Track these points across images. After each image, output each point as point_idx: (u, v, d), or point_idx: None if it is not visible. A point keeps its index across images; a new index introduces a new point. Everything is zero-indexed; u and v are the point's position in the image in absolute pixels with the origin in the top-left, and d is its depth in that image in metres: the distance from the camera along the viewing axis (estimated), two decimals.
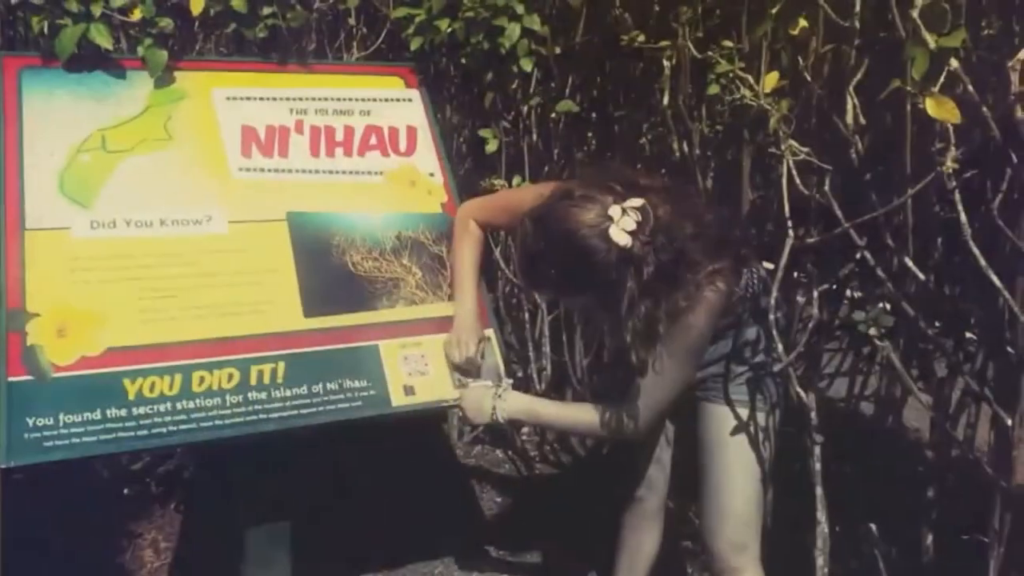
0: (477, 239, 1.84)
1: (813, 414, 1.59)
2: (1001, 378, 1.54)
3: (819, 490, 1.62)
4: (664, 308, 1.39)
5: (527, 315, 2.66)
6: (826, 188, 1.48)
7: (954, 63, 1.13)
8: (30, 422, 1.44)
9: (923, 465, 2.00)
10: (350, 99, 2.07)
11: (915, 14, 1.16)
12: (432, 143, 2.10)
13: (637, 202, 1.37)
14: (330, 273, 1.83)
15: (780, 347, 1.57)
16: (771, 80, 1.45)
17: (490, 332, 1.88)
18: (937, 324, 1.72)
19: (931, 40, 1.14)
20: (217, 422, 1.57)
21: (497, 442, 2.89)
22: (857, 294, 1.99)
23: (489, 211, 1.85)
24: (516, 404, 1.67)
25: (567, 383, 2.62)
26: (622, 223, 1.36)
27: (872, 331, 1.52)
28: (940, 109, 1.12)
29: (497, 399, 1.66)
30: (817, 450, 1.63)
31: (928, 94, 1.13)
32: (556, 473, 2.77)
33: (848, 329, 1.73)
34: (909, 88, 1.17)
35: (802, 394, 1.52)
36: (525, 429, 2.88)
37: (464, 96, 2.42)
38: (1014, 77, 1.09)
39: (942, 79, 1.13)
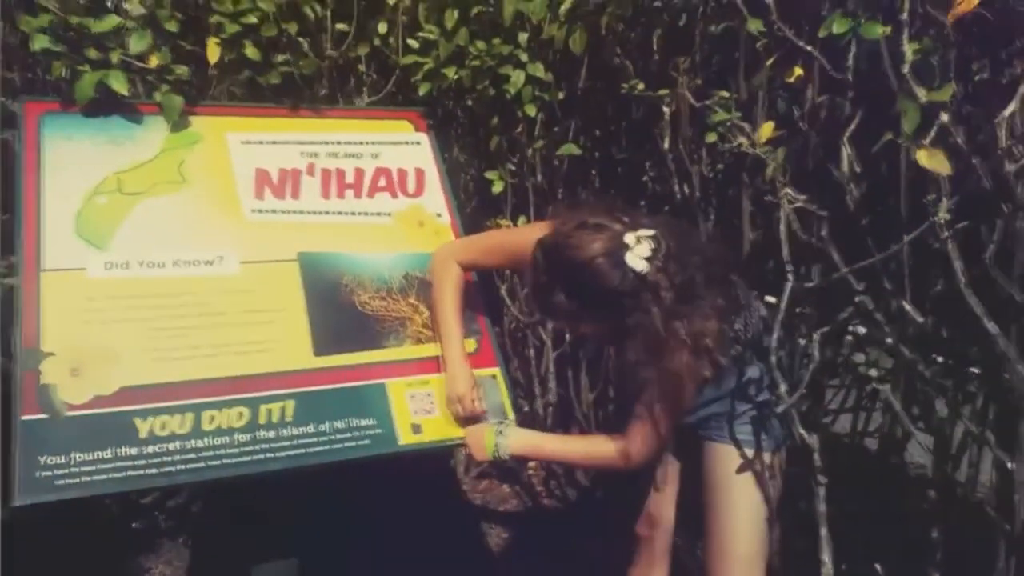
0: (459, 281, 1.84)
1: (816, 455, 1.61)
2: (1001, 420, 1.56)
3: (823, 531, 1.62)
4: (670, 336, 1.40)
5: (532, 351, 2.68)
6: (823, 234, 1.51)
7: (944, 116, 1.17)
8: (42, 460, 1.47)
9: (928, 504, 2.00)
10: (360, 142, 2.12)
11: (905, 69, 1.19)
12: (439, 185, 2.15)
13: (650, 232, 1.40)
14: (339, 312, 1.86)
15: (783, 387, 1.59)
16: (767, 130, 1.49)
17: (496, 371, 1.91)
18: (938, 363, 1.74)
19: (922, 94, 1.17)
20: (226, 460, 1.59)
21: (504, 477, 2.90)
22: (860, 330, 2.02)
23: (474, 252, 1.87)
24: (519, 439, 1.69)
25: (573, 418, 2.64)
26: (638, 250, 1.38)
27: (872, 372, 1.54)
28: (932, 161, 1.15)
29: (500, 435, 1.68)
30: (821, 491, 1.63)
31: (920, 146, 1.16)
32: (563, 509, 2.78)
33: (850, 371, 1.74)
34: (901, 141, 1.20)
35: (805, 435, 1.53)
36: (531, 464, 2.89)
37: (470, 139, 2.47)
38: (1001, 133, 1.12)
39: (933, 132, 1.17)
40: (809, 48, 1.47)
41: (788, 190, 1.44)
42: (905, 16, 1.24)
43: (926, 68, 1.17)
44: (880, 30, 1.21)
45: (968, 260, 1.28)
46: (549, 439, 1.75)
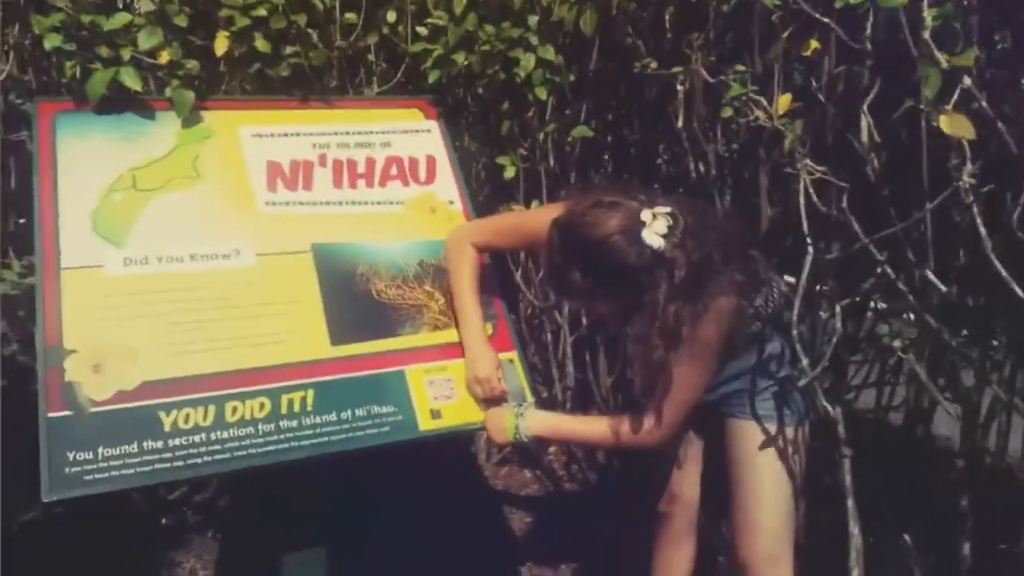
0: (475, 263, 1.84)
1: (841, 427, 1.60)
2: None
3: (850, 502, 1.62)
4: (689, 312, 1.39)
5: (550, 336, 2.68)
6: (844, 205, 1.50)
7: (967, 81, 1.15)
8: (70, 456, 1.48)
9: (956, 473, 1.99)
10: (371, 132, 2.12)
11: (926, 35, 1.18)
12: (451, 172, 2.14)
13: (666, 208, 1.40)
14: (355, 302, 1.86)
15: (805, 361, 1.58)
16: (784, 102, 1.47)
17: (514, 355, 1.90)
18: (963, 334, 1.72)
19: (943, 59, 1.16)
20: (250, 451, 1.60)
21: (525, 462, 2.90)
22: (881, 305, 2.00)
23: (488, 234, 1.87)
24: (538, 422, 1.69)
25: (592, 402, 2.63)
26: (655, 226, 1.37)
27: (896, 343, 1.53)
28: (955, 126, 1.14)
29: (520, 418, 1.68)
30: (846, 463, 1.63)
31: (942, 112, 1.15)
32: (585, 492, 2.78)
33: (873, 342, 1.73)
34: (923, 107, 1.19)
35: (829, 408, 1.52)
36: (552, 448, 2.89)
37: (481, 125, 2.46)
38: None
39: (955, 97, 1.15)
40: (826, 20, 1.44)
41: (807, 161, 1.43)
42: None
43: (947, 34, 1.16)
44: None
45: (992, 227, 1.27)
46: (569, 420, 1.75)
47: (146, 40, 1.86)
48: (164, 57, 1.90)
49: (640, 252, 1.38)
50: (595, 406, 2.61)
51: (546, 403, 2.56)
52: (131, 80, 1.84)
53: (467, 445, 2.86)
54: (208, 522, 2.50)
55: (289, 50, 2.05)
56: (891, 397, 2.28)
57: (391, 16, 2.25)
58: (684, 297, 1.41)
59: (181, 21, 1.92)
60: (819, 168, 1.42)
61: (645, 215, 1.39)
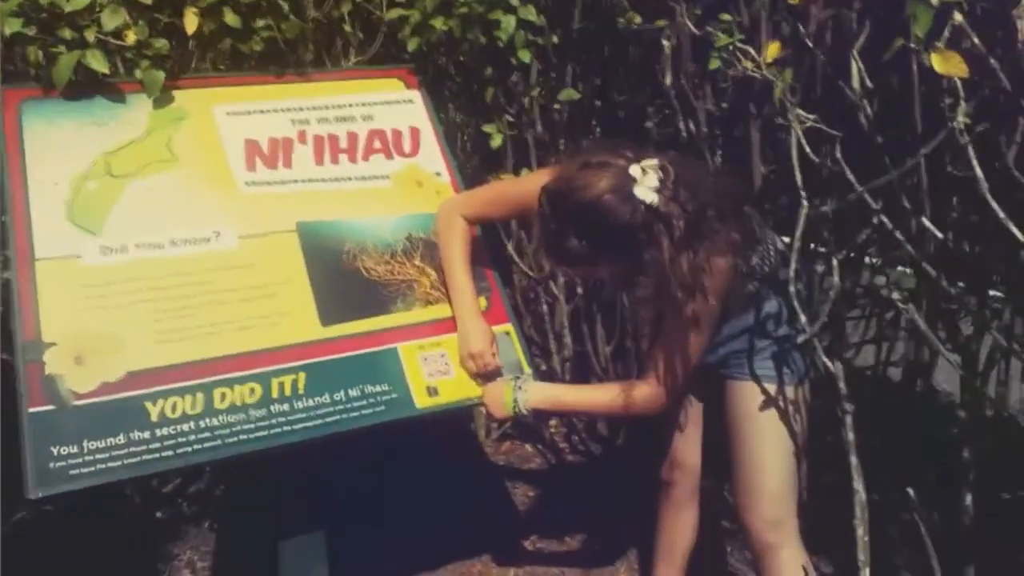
0: (466, 235, 1.81)
1: (842, 384, 1.56)
2: None
3: (853, 459, 1.58)
4: (687, 266, 1.35)
5: (546, 307, 2.64)
6: (837, 155, 1.45)
7: (958, 17, 1.10)
8: (55, 451, 1.44)
9: (957, 427, 1.96)
10: (351, 105, 2.07)
11: None
12: (436, 143, 2.09)
13: (653, 160, 1.36)
14: (344, 280, 1.82)
15: (803, 318, 1.54)
16: (773, 50, 1.42)
17: (509, 327, 1.87)
18: (960, 283, 1.69)
19: None
20: (242, 437, 1.56)
21: (526, 436, 2.88)
22: (876, 260, 1.96)
23: (478, 205, 1.83)
24: (538, 394, 1.66)
25: (591, 372, 2.60)
26: (645, 181, 1.34)
27: (895, 295, 1.49)
28: (947, 64, 1.09)
29: (519, 391, 1.65)
30: (848, 419, 1.60)
31: (933, 50, 1.10)
32: (587, 462, 2.76)
33: (871, 295, 1.69)
34: (914, 46, 1.14)
35: (828, 364, 1.49)
36: (552, 421, 2.86)
37: (465, 93, 2.40)
38: (1021, 25, 1.06)
39: (946, 34, 1.11)
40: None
41: (798, 111, 1.38)
42: None
43: None
44: None
45: (987, 170, 1.22)
46: (568, 390, 1.72)
47: (110, 20, 1.80)
48: (131, 37, 1.84)
49: (634, 209, 1.34)
50: (594, 376, 2.59)
51: (544, 375, 2.54)
52: (98, 63, 1.78)
53: (466, 422, 2.83)
54: (204, 513, 2.48)
55: (261, 23, 1.99)
56: (890, 352, 2.25)
57: None
58: (688, 248, 1.36)
59: None
60: (809, 116, 1.37)
61: (634, 170, 1.35)
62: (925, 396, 2.04)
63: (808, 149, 1.47)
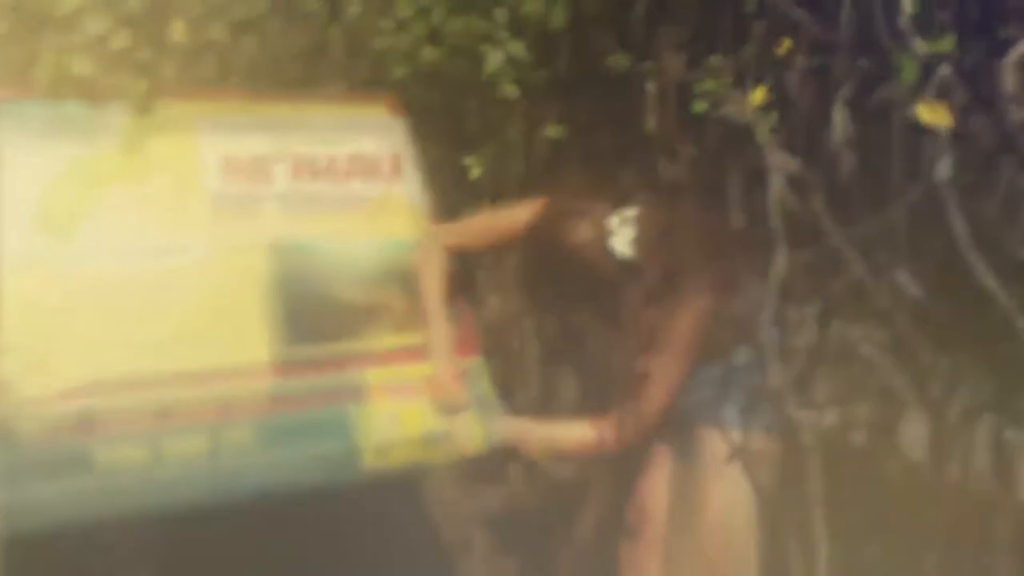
0: (444, 266, 1.81)
1: (808, 435, 1.57)
2: (1002, 393, 1.52)
3: (817, 511, 1.59)
4: (663, 315, 1.37)
5: (515, 343, 2.62)
6: (815, 205, 1.46)
7: (946, 69, 1.12)
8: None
9: (924, 485, 1.96)
10: (333, 127, 2.05)
11: (904, 21, 1.14)
12: (415, 170, 2.09)
13: (632, 211, 1.37)
14: (313, 302, 1.80)
15: (774, 368, 1.55)
16: (758, 96, 1.43)
17: (477, 361, 1.86)
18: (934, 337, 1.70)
19: (921, 47, 1.12)
20: (188, 486, 1.54)
21: (486, 479, 2.83)
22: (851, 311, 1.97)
23: (460, 235, 1.84)
24: (508, 426, 1.64)
25: (557, 412, 2.57)
26: (622, 233, 1.35)
27: (866, 347, 1.49)
28: (932, 115, 1.11)
29: (488, 424, 1.63)
30: (814, 472, 1.59)
31: (920, 100, 1.11)
32: (549, 508, 2.71)
33: (842, 347, 1.70)
34: (899, 97, 1.16)
35: (796, 416, 1.49)
36: (513, 464, 2.82)
37: (448, 122, 2.40)
38: (1007, 77, 1.08)
39: (933, 86, 1.12)
40: (798, 14, 1.41)
41: (780, 155, 1.39)
42: None
43: (928, 17, 1.13)
44: None
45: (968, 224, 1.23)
46: (538, 425, 1.70)
47: (94, 25, 1.79)
48: (115, 44, 1.82)
49: (610, 261, 1.36)
50: (563, 413, 2.56)
51: (511, 410, 2.51)
52: (79, 67, 1.76)
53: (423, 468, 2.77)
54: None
55: (248, 40, 1.98)
56: (858, 408, 2.25)
57: (355, 8, 2.20)
58: (656, 301, 1.38)
59: (134, 6, 1.85)
60: (792, 161, 1.38)
61: (612, 223, 1.37)
62: (892, 453, 2.03)
63: (789, 196, 1.47)
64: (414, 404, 1.74)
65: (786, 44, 1.54)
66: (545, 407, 2.58)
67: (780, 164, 1.37)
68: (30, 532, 1.40)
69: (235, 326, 1.70)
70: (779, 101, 1.51)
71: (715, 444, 1.62)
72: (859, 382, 2.14)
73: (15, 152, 1.71)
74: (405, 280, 1.89)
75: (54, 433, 1.49)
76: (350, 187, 2.00)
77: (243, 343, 1.68)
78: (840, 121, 1.32)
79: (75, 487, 1.47)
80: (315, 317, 1.78)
